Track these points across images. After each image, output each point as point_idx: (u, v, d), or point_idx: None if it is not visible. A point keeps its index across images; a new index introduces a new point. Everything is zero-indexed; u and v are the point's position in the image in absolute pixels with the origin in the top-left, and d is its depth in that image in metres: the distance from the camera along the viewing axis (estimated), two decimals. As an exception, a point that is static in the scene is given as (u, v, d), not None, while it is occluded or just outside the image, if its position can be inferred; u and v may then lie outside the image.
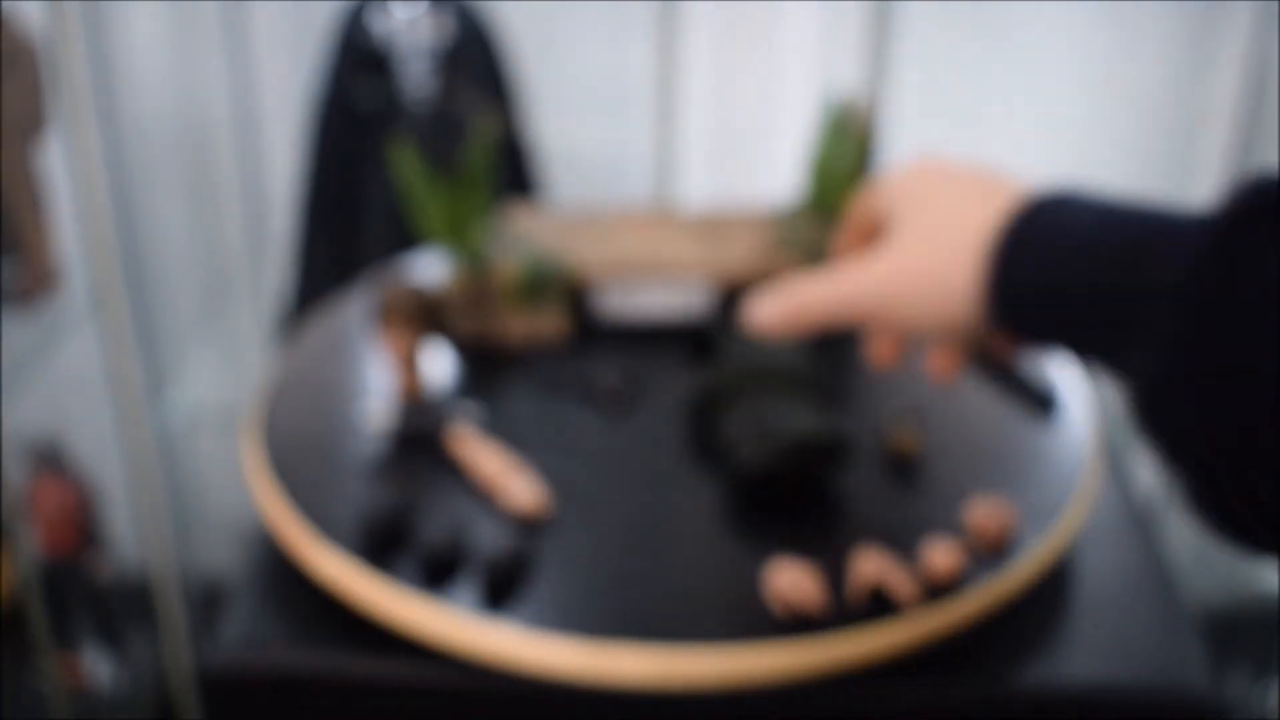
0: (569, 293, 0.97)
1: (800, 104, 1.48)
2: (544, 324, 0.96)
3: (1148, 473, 1.67)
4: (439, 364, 0.94)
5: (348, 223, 1.45)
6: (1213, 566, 1.70)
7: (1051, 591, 0.76)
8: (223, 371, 1.67)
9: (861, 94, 1.21)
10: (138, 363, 1.36)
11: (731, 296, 0.99)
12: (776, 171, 1.45)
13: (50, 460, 1.50)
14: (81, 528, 1.51)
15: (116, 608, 1.54)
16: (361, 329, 0.98)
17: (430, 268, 1.03)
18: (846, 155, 0.98)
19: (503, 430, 0.85)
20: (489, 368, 0.93)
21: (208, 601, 1.58)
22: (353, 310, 1.02)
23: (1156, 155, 1.58)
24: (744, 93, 1.48)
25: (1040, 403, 0.87)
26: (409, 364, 0.87)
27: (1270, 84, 1.46)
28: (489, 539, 0.74)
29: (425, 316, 0.88)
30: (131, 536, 1.59)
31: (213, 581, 1.63)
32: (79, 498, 1.50)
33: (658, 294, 0.98)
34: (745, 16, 1.46)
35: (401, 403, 0.86)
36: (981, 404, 0.88)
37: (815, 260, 0.99)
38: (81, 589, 1.51)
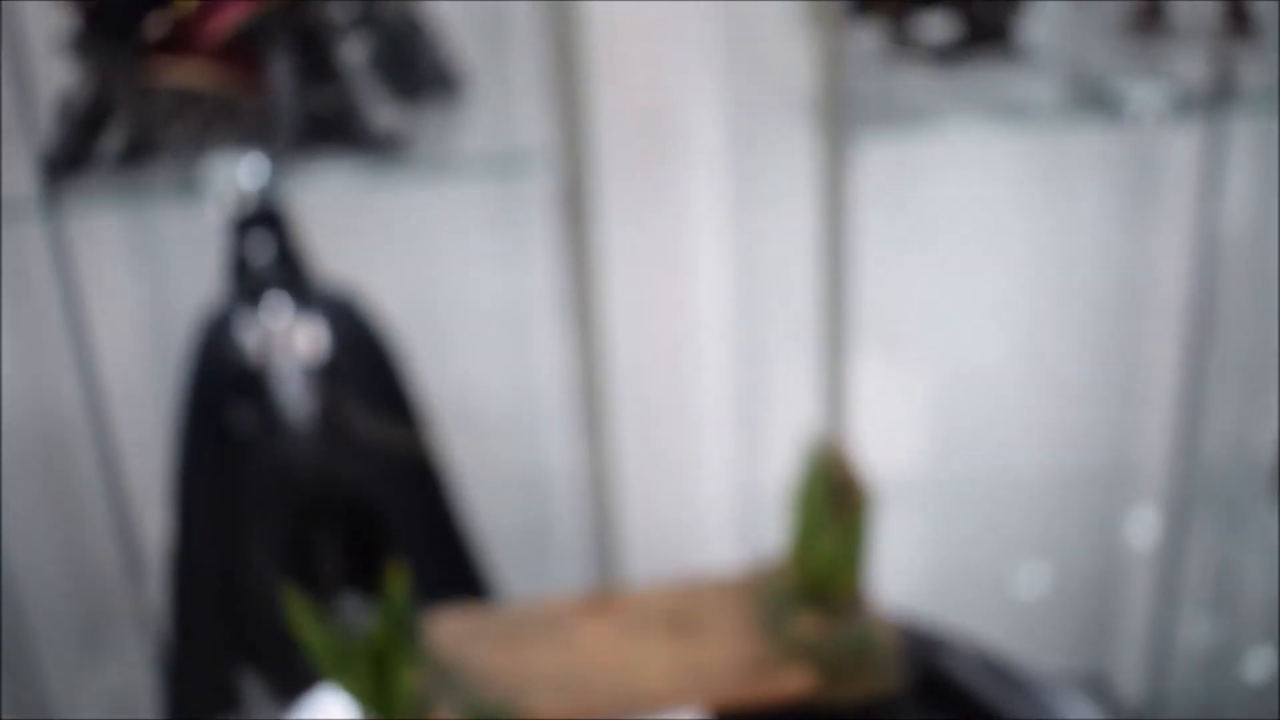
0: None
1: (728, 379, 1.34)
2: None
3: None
4: None
5: (230, 572, 1.24)
6: None
7: None
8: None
9: (835, 432, 1.04)
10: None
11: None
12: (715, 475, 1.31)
13: None
14: None
15: None
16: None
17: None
18: (837, 531, 0.82)
19: None
20: None
21: None
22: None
23: (1108, 332, 1.47)
24: (675, 380, 1.33)
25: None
26: None
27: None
28: None
29: None
30: None
31: None
32: None
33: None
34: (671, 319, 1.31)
35: None
36: None
37: (822, 667, 0.82)
38: None
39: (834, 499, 0.83)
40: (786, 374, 1.33)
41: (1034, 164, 1.40)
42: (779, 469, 1.29)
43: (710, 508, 1.39)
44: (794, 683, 0.82)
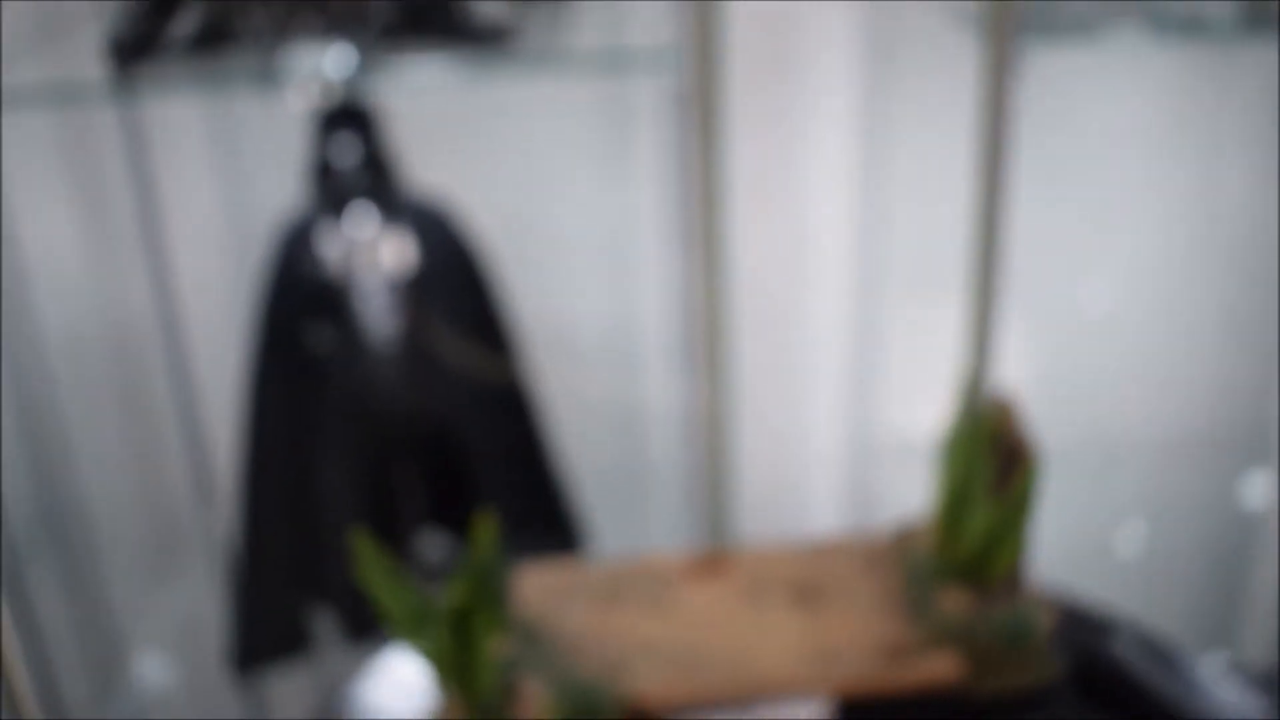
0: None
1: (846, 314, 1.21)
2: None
3: None
4: None
5: (304, 504, 1.15)
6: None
7: None
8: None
9: (996, 383, 0.90)
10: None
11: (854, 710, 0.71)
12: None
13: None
14: None
15: None
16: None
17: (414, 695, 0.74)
18: (999, 498, 0.70)
19: None
20: None
21: None
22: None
23: (1258, 282, 1.33)
24: (793, 314, 1.20)
25: None
26: None
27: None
28: None
29: None
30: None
31: None
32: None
33: None
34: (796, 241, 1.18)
35: None
36: None
37: (972, 652, 0.70)
38: None
39: (997, 460, 0.71)
40: (920, 314, 1.21)
41: (1197, 91, 1.25)
42: (904, 423, 1.16)
43: (824, 460, 1.27)
44: (937, 669, 0.71)
